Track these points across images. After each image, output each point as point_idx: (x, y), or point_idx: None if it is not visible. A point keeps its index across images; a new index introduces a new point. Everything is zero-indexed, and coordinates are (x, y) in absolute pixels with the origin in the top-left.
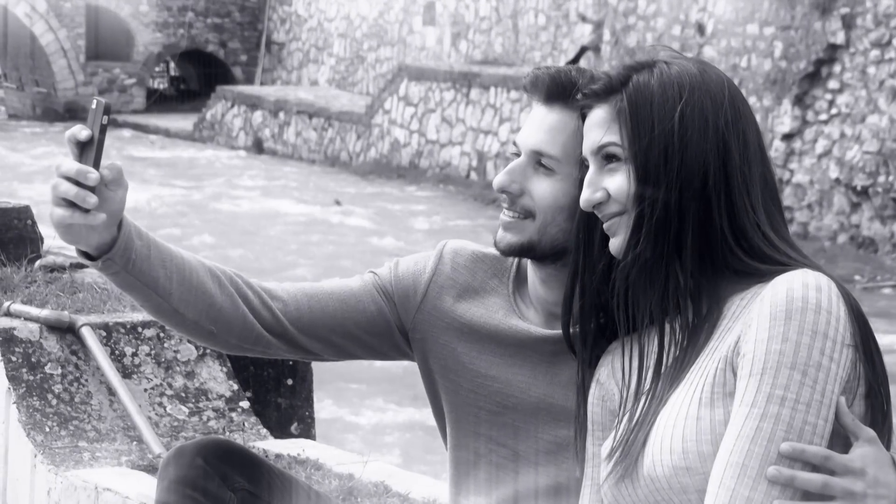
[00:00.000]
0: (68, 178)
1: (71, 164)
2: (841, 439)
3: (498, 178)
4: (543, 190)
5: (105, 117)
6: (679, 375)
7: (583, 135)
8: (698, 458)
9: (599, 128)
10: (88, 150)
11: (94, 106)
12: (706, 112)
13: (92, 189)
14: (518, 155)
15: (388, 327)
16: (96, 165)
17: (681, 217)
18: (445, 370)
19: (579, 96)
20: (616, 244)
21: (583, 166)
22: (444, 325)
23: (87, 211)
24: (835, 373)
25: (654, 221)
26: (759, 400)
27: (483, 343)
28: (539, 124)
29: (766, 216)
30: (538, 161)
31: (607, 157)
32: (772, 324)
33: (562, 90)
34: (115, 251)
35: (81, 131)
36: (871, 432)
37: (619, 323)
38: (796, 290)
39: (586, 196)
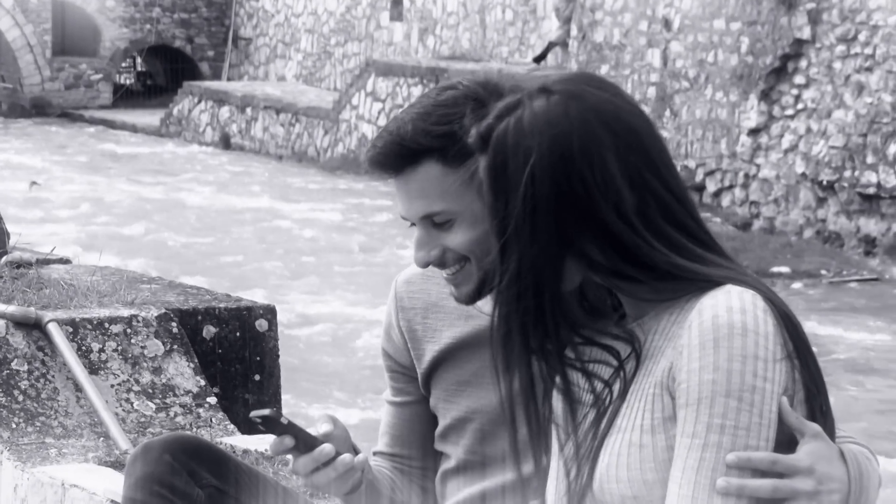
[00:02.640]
0: (316, 470)
1: (306, 462)
2: (787, 446)
3: (416, 259)
4: (456, 239)
5: (285, 418)
6: (620, 400)
7: (450, 168)
8: (644, 486)
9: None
10: (297, 439)
11: (259, 422)
12: (556, 174)
13: (336, 456)
14: (414, 224)
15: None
16: (315, 440)
17: (536, 273)
18: (443, 393)
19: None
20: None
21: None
22: (427, 358)
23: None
24: (770, 391)
25: (508, 281)
26: (699, 430)
27: (459, 352)
28: (407, 195)
29: (649, 249)
30: (432, 222)
31: None
32: (701, 353)
33: (396, 157)
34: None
35: (284, 442)
36: (816, 427)
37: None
38: (721, 316)
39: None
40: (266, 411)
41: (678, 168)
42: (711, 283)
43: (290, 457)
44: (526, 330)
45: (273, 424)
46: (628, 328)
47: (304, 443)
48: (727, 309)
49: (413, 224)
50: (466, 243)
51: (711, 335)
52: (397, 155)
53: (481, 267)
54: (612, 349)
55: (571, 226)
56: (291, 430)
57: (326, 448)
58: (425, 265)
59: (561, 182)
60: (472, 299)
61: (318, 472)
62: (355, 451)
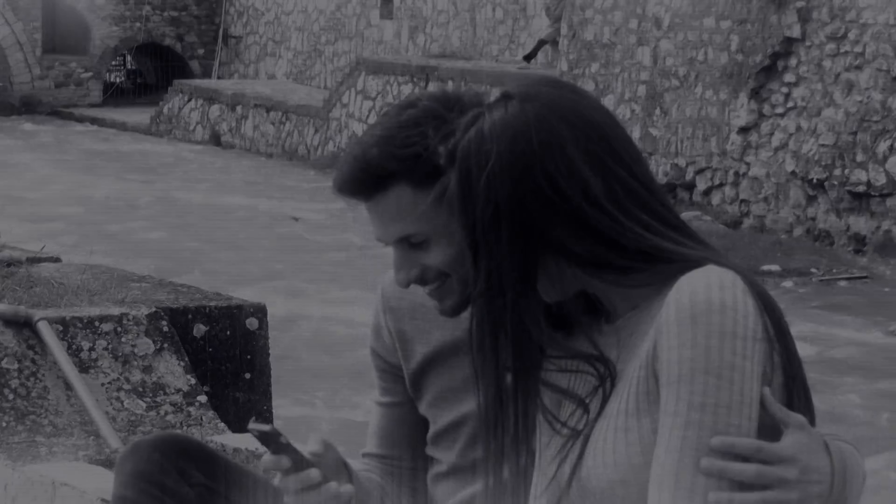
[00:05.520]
0: (302, 491)
1: (294, 481)
2: (770, 433)
3: (397, 280)
4: (434, 258)
5: (284, 437)
6: (609, 390)
7: (420, 188)
8: (630, 469)
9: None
10: (291, 459)
11: (256, 435)
12: (515, 172)
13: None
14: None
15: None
16: (306, 462)
17: (523, 269)
18: (434, 399)
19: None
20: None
21: None
22: (417, 359)
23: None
24: (750, 370)
25: (481, 286)
26: (680, 409)
27: (449, 357)
28: (380, 219)
29: (622, 229)
30: (409, 243)
31: None
32: (680, 330)
33: (364, 184)
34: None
35: (280, 462)
36: (800, 418)
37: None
38: (699, 292)
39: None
40: (266, 427)
41: (668, 166)
42: (693, 265)
43: (278, 472)
44: (499, 333)
45: (270, 441)
46: (600, 351)
47: (295, 463)
48: (706, 286)
49: (388, 245)
50: (445, 260)
51: (689, 311)
52: (365, 182)
53: (461, 282)
54: (590, 361)
55: (540, 221)
56: (287, 449)
57: (313, 473)
58: (407, 285)
59: (521, 179)
60: (455, 312)
61: (304, 493)
62: (347, 470)
